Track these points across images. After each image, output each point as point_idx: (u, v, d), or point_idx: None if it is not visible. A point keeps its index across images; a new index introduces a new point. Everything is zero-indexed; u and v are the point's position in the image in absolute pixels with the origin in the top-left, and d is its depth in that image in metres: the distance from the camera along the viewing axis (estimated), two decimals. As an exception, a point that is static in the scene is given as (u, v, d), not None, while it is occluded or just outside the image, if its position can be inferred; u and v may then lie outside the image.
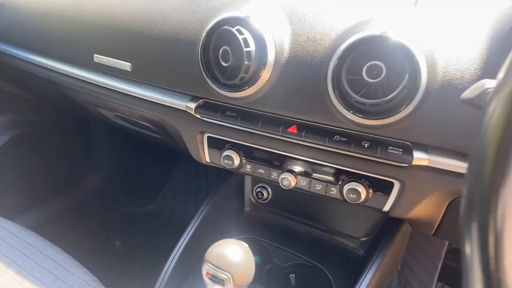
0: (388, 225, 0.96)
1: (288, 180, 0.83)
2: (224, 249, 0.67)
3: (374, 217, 1.00)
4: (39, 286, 0.84)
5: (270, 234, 1.08)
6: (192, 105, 0.85)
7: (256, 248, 1.06)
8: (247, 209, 1.21)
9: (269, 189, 1.12)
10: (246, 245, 0.70)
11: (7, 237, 0.97)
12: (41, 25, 1.07)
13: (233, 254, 0.66)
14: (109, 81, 0.97)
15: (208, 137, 0.91)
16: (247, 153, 0.88)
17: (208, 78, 0.77)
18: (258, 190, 1.12)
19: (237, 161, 0.88)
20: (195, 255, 1.01)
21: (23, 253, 0.93)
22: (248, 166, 0.89)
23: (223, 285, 0.65)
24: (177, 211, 2.01)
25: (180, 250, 1.00)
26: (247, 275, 0.67)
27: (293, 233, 1.09)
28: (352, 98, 0.64)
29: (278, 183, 0.85)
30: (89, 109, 1.17)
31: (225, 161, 0.88)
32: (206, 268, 0.66)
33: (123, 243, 1.79)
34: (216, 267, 0.65)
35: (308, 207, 1.07)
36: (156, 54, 0.85)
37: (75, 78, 1.04)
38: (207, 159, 0.94)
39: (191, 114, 0.87)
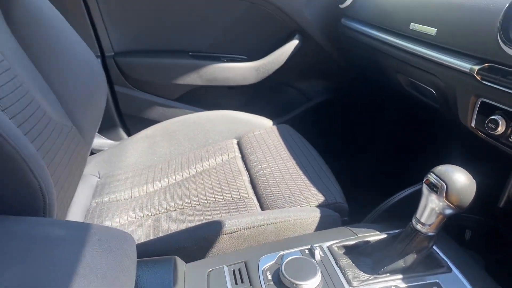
0: None
1: None
2: (449, 167, 0.77)
3: None
4: None
5: None
6: (476, 67, 0.96)
7: None
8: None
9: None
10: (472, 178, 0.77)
11: None
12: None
13: (457, 174, 0.76)
14: (415, 46, 1.20)
15: (481, 102, 0.98)
16: (517, 121, 0.90)
17: (504, 43, 0.86)
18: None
19: (501, 127, 0.91)
20: None
21: None
22: (514, 135, 0.90)
23: (436, 192, 0.76)
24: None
25: None
26: (463, 197, 0.75)
27: None
28: None
29: None
30: (390, 76, 1.44)
31: (489, 124, 0.93)
32: (428, 176, 0.79)
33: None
34: (438, 176, 0.77)
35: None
36: (458, 21, 1.01)
37: (392, 45, 1.33)
38: (473, 124, 1.01)
39: (473, 76, 0.97)
